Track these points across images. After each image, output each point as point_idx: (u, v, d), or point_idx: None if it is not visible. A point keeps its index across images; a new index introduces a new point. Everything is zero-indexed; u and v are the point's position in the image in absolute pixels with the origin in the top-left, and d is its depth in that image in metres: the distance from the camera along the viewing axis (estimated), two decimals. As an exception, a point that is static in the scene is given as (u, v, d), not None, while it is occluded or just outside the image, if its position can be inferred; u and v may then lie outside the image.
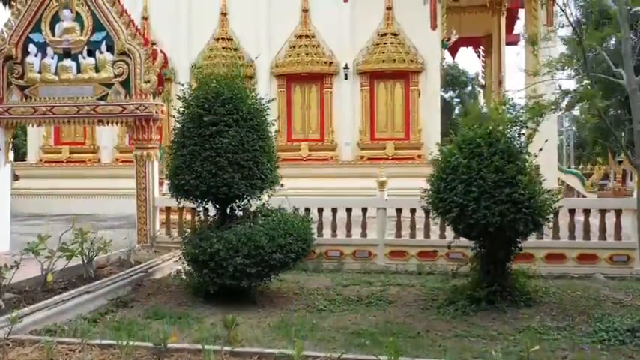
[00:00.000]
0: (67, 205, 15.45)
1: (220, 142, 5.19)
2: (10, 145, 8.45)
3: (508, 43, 22.13)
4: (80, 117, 7.95)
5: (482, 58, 23.05)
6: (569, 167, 26.05)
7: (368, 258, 7.54)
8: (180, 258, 6.01)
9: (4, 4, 16.72)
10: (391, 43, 14.97)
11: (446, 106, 34.48)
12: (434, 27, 14.99)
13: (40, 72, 8.04)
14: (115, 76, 7.90)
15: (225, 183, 5.21)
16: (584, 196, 16.40)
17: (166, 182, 12.49)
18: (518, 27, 23.14)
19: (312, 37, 15.33)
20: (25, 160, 17.43)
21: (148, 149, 7.80)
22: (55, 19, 8.04)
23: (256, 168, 5.35)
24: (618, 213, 7.15)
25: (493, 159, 4.84)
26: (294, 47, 15.31)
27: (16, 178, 16.27)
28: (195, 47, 15.77)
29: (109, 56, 7.91)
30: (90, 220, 13.61)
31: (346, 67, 15.12)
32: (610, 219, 7.23)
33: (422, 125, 15.07)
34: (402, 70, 14.97)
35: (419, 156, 15.01)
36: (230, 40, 15.63)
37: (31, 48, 8.06)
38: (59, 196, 15.62)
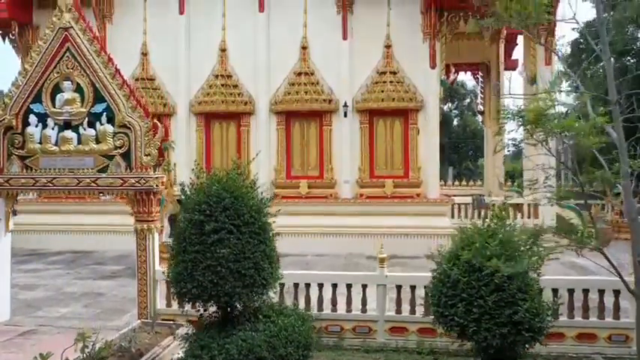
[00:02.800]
0: (66, 241, 15.51)
1: (222, 252, 5.21)
2: (11, 214, 8.46)
3: (507, 68, 22.16)
4: (81, 189, 7.96)
5: (480, 83, 23.09)
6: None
7: (368, 334, 7.55)
8: (180, 343, 6.01)
9: (3, 38, 16.72)
10: (390, 81, 15.03)
11: (444, 118, 34.58)
12: (433, 66, 15.05)
13: (40, 143, 8.04)
14: (116, 148, 7.90)
15: (227, 293, 5.23)
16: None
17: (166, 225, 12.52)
18: (518, 52, 23.27)
19: (312, 74, 15.37)
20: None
21: (149, 222, 7.81)
22: (56, 90, 8.02)
23: (258, 275, 5.36)
24: (617, 293, 7.18)
25: (494, 277, 4.87)
26: (293, 84, 15.35)
27: (14, 213, 16.24)
28: (194, 83, 15.81)
29: (109, 128, 7.91)
30: (90, 261, 13.70)
31: (345, 106, 15.16)
32: (609, 296, 7.27)
33: (421, 163, 15.13)
34: (402, 108, 15.03)
35: (418, 194, 15.06)
36: (229, 76, 15.67)
37: (32, 119, 8.05)
38: (58, 231, 15.64)
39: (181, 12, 15.78)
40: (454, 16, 14.97)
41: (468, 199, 15.55)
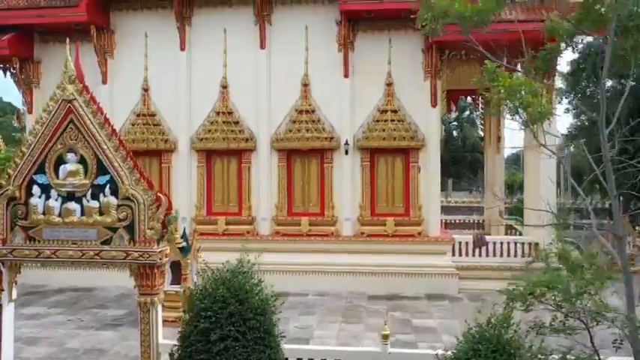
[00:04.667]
0: (67, 276, 15.41)
1: (228, 363, 5.24)
2: (14, 284, 8.44)
3: (507, 93, 22.14)
4: (84, 261, 7.95)
5: (480, 109, 23.12)
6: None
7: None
8: None
9: (4, 71, 16.71)
10: (391, 120, 15.05)
11: (444, 130, 34.58)
12: (434, 104, 15.09)
13: (43, 214, 8.02)
14: (119, 220, 7.89)
15: (233, 402, 5.26)
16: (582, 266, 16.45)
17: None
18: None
19: (313, 111, 15.39)
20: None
21: (152, 295, 7.81)
22: (60, 161, 8.01)
23: (263, 381, 5.39)
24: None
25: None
26: (294, 122, 15.37)
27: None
28: (195, 120, 15.82)
29: (113, 200, 7.90)
30: (91, 303, 13.69)
31: (346, 144, 15.18)
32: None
33: (422, 201, 15.15)
34: (403, 147, 15.05)
35: (419, 233, 15.08)
36: (230, 113, 15.68)
37: (35, 189, 8.03)
38: (59, 268, 15.56)
39: (182, 48, 15.78)
40: (455, 55, 15.00)
41: (468, 237, 15.54)
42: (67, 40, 8.36)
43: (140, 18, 15.98)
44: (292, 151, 15.48)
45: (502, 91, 5.14)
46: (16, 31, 15.52)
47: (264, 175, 15.52)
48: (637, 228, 21.67)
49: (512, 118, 5.38)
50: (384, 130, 15.00)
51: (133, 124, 15.92)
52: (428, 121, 15.07)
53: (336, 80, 15.31)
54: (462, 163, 46.74)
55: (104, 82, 16.00)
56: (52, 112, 8.06)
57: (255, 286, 5.79)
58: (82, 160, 8.03)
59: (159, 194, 7.98)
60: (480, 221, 21.84)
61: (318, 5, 15.43)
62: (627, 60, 5.55)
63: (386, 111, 15.14)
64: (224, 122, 15.58)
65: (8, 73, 16.61)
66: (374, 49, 15.23)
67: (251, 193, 15.68)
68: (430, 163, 15.12)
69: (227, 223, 15.56)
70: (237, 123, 15.62)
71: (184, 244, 12.36)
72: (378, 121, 15.13)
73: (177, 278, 12.23)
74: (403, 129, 14.98)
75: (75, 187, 8.01)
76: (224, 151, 15.67)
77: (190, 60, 15.82)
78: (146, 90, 15.97)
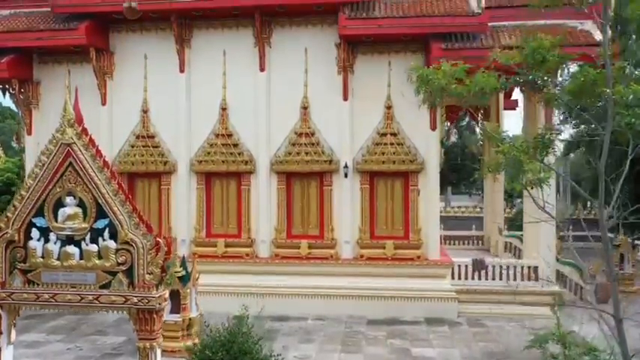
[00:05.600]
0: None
1: None
2: (13, 326, 8.43)
3: (506, 108, 22.22)
4: (83, 305, 7.94)
5: (480, 125, 23.09)
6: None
7: None
8: None
9: (3, 92, 16.70)
10: (391, 143, 15.06)
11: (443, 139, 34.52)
12: (433, 127, 15.09)
13: (42, 257, 8.02)
14: (118, 264, 7.88)
15: None
16: (581, 287, 16.48)
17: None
18: (517, 91, 23.27)
19: (312, 134, 15.38)
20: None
21: (151, 340, 7.80)
22: (58, 204, 8.01)
23: None
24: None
25: None
26: (294, 145, 15.37)
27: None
28: (194, 142, 15.81)
29: (112, 244, 7.89)
30: (90, 329, 13.63)
31: (346, 167, 15.17)
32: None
33: (421, 224, 15.14)
34: (402, 170, 15.05)
35: (418, 256, 15.08)
36: (230, 135, 15.67)
37: (34, 233, 8.03)
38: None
39: (182, 70, 15.77)
40: (455, 78, 14.96)
41: (468, 260, 15.51)
42: (67, 71, 8.26)
43: (139, 39, 15.96)
44: (292, 174, 15.48)
45: (502, 157, 5.13)
46: (15, 54, 15.50)
47: (264, 197, 15.52)
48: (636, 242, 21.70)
49: (512, 184, 5.39)
50: (383, 154, 14.99)
51: (132, 146, 15.91)
52: (427, 144, 15.06)
53: (336, 103, 15.30)
54: (462, 171, 46.70)
55: (103, 103, 15.98)
56: (51, 156, 8.06)
57: (255, 345, 5.78)
58: (80, 204, 8.03)
59: (158, 239, 7.98)
60: (480, 238, 21.83)
61: (317, 27, 15.42)
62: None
63: (385, 134, 15.13)
64: (223, 144, 15.57)
65: (7, 94, 16.60)
66: (373, 72, 15.23)
67: (250, 216, 15.67)
68: (429, 187, 15.11)
69: (226, 246, 15.56)
70: (236, 145, 15.61)
71: (184, 272, 12.33)
72: (377, 144, 15.12)
73: (176, 307, 12.20)
74: (402, 152, 14.97)
75: (74, 230, 8.01)
76: (223, 173, 15.66)
77: (190, 82, 15.81)
78: (145, 111, 15.96)
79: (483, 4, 13.79)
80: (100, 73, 15.86)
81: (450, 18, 13.93)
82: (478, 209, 31.45)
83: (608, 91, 5.24)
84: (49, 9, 15.43)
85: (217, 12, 15.27)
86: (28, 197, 8.09)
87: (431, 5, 14.25)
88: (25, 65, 16.00)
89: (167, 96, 15.80)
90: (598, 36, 13.34)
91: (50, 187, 8.06)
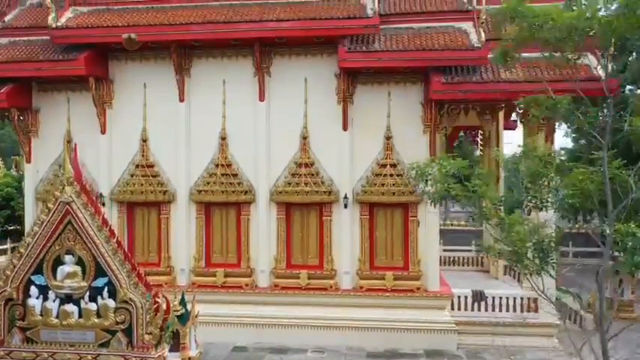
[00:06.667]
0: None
1: None
2: (12, 383, 8.42)
3: (506, 128, 22.18)
4: (82, 364, 7.94)
5: (480, 147, 23.05)
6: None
7: None
8: None
9: (2, 119, 16.70)
10: (390, 174, 15.04)
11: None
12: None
13: (41, 315, 8.02)
14: (117, 323, 7.89)
15: None
16: (581, 316, 16.45)
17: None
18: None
19: (312, 164, 15.36)
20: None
21: (150, 401, 7.80)
22: (57, 262, 8.03)
23: None
24: None
25: None
26: (293, 175, 15.35)
27: None
28: (194, 171, 15.79)
29: (110, 303, 7.90)
30: None
31: (345, 198, 15.15)
32: None
33: (421, 256, 15.12)
34: (402, 202, 15.03)
35: (418, 288, 15.06)
36: (229, 165, 15.65)
37: (33, 290, 8.04)
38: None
39: (181, 99, 15.73)
40: (454, 109, 14.97)
41: (468, 291, 15.49)
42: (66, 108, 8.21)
43: (139, 68, 15.93)
44: (291, 204, 15.44)
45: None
46: (14, 83, 15.47)
47: (263, 227, 15.49)
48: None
49: (515, 265, 5.38)
50: (383, 185, 14.97)
51: (131, 175, 15.87)
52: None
53: (336, 133, 15.27)
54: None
55: (103, 132, 15.94)
56: (50, 214, 8.06)
57: None
58: (79, 262, 8.04)
59: (157, 299, 7.98)
60: (479, 260, 21.77)
61: (317, 57, 15.40)
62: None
63: (385, 165, 15.11)
64: (223, 174, 15.55)
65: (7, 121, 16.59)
66: (373, 103, 15.20)
67: (250, 245, 15.64)
68: (429, 217, 15.07)
69: (226, 275, 15.53)
70: (235, 175, 15.59)
71: (183, 310, 12.28)
72: (377, 175, 15.09)
73: (175, 346, 12.16)
74: (402, 183, 14.95)
75: (73, 289, 8.02)
76: (223, 202, 15.63)
77: (189, 111, 15.78)
78: (145, 141, 15.93)
79: (483, 38, 13.75)
80: (99, 101, 15.82)
81: (449, 52, 13.91)
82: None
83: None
84: (47, 37, 15.39)
85: (217, 42, 15.23)
86: (27, 255, 8.10)
87: (431, 39, 14.22)
88: (24, 94, 15.96)
89: (166, 125, 15.77)
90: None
91: (49, 244, 8.07)
